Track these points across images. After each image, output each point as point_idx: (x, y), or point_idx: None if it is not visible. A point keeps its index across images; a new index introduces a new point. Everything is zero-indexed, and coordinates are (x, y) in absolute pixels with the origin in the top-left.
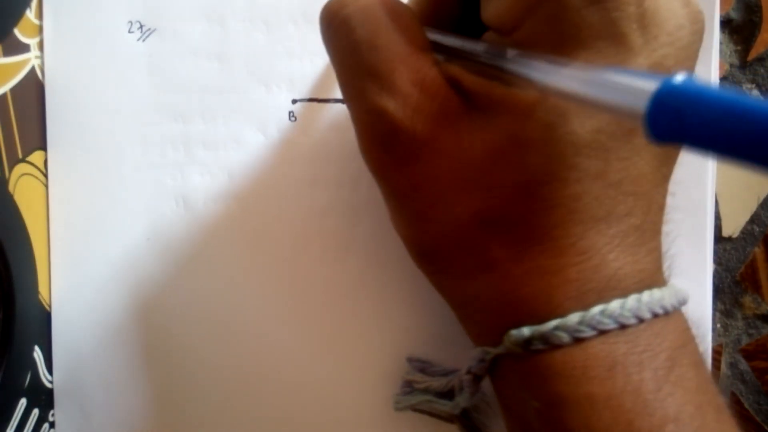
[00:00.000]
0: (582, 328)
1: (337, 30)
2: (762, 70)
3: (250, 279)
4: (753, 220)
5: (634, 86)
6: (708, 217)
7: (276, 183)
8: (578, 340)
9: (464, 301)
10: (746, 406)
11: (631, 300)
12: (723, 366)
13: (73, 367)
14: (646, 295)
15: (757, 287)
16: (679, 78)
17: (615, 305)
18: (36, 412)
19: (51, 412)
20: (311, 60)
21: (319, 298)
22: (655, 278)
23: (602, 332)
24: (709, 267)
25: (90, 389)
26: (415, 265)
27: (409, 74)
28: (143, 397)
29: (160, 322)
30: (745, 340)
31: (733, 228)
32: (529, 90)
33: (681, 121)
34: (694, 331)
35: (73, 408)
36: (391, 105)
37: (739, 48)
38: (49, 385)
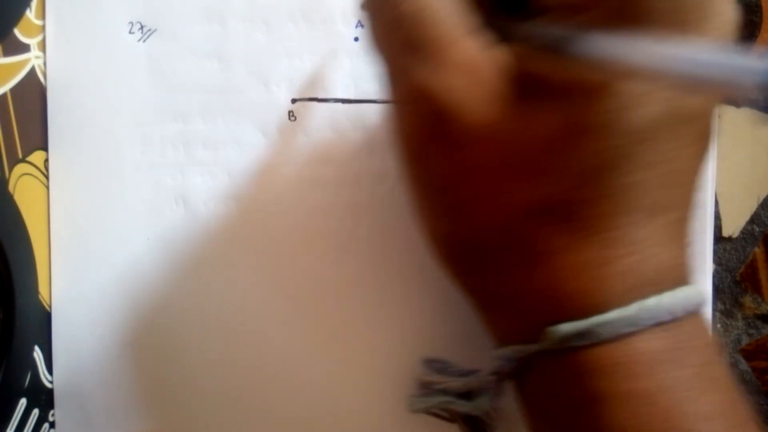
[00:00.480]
0: (623, 325)
1: (382, 5)
2: None
3: (250, 279)
4: (753, 220)
5: (742, 64)
6: (708, 218)
7: (276, 183)
8: (619, 337)
9: (497, 300)
10: None
11: (667, 297)
12: None
13: (73, 367)
14: (680, 293)
15: (757, 287)
16: None
17: (652, 302)
18: (36, 412)
19: (51, 412)
20: (311, 59)
21: (320, 298)
22: (686, 274)
23: (641, 329)
24: (709, 267)
25: (90, 389)
26: (439, 266)
27: (460, 55)
28: (143, 397)
29: (160, 322)
30: (745, 340)
31: (733, 228)
32: (592, 75)
33: None
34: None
35: (73, 408)
36: (438, 86)
37: (739, 48)
38: (49, 385)
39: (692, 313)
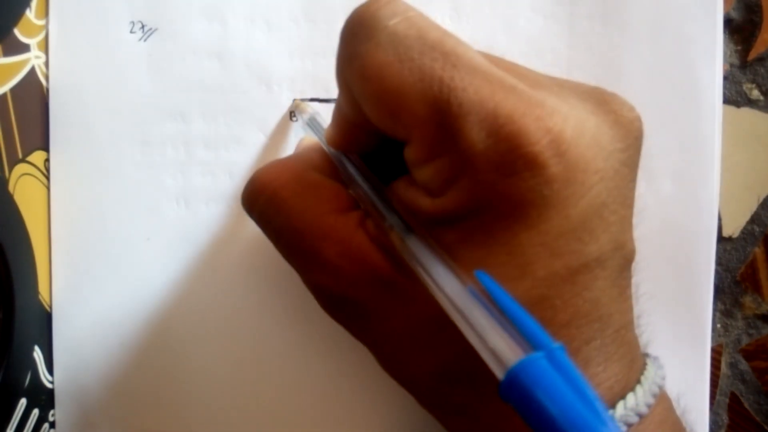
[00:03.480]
0: None
1: (258, 222)
2: (762, 70)
3: (251, 279)
4: (753, 220)
5: (492, 354)
6: (713, 219)
7: None
8: None
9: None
10: (746, 406)
11: (619, 409)
12: (723, 366)
13: (73, 367)
14: (619, 408)
15: (757, 287)
16: (523, 368)
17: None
18: (36, 412)
19: (51, 412)
20: (312, 59)
21: None
22: (627, 380)
23: None
24: (711, 267)
25: (90, 389)
26: None
27: (334, 247)
28: (144, 397)
29: (161, 323)
30: (745, 340)
31: (733, 228)
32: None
33: (521, 400)
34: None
35: (73, 408)
36: (326, 280)
37: (739, 48)
38: (49, 385)
39: (658, 398)
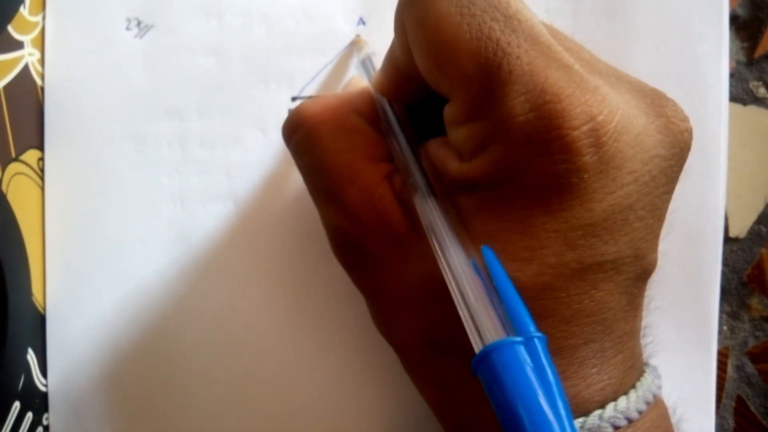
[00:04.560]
0: None
1: (293, 153)
2: None
3: (248, 280)
4: (760, 220)
5: (474, 328)
6: (719, 219)
7: (275, 182)
8: None
9: (432, 407)
10: (752, 409)
11: (593, 418)
12: (729, 368)
13: (67, 370)
14: (609, 409)
15: (763, 289)
16: (498, 347)
17: (577, 425)
18: (30, 415)
19: (45, 416)
20: (311, 56)
21: (319, 298)
22: (621, 384)
23: None
24: (718, 268)
25: (85, 392)
26: None
27: (358, 193)
28: (138, 401)
29: (155, 324)
30: (751, 343)
31: (739, 228)
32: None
33: (489, 378)
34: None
35: (67, 411)
36: (343, 222)
37: (745, 45)
38: (43, 388)
39: (651, 405)
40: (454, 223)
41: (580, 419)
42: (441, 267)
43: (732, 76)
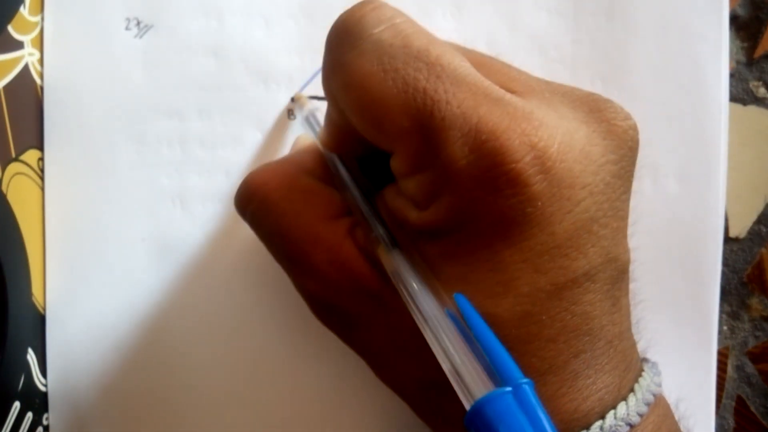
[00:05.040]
0: None
1: (250, 224)
2: None
3: (247, 280)
4: (760, 220)
5: (460, 384)
6: (719, 219)
7: None
8: None
9: None
10: (752, 409)
11: (594, 430)
12: (729, 368)
13: (67, 370)
14: (609, 419)
15: (763, 289)
16: (487, 402)
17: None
18: (30, 415)
19: (45, 416)
20: (310, 57)
21: None
22: (620, 389)
23: None
24: (718, 268)
25: (85, 392)
26: None
27: (323, 255)
28: (138, 401)
29: (155, 325)
30: (751, 343)
31: (739, 229)
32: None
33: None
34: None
35: (67, 411)
36: (314, 286)
37: (745, 45)
38: (43, 388)
39: (653, 405)
40: (422, 271)
41: (597, 423)
42: (416, 320)
43: (732, 76)
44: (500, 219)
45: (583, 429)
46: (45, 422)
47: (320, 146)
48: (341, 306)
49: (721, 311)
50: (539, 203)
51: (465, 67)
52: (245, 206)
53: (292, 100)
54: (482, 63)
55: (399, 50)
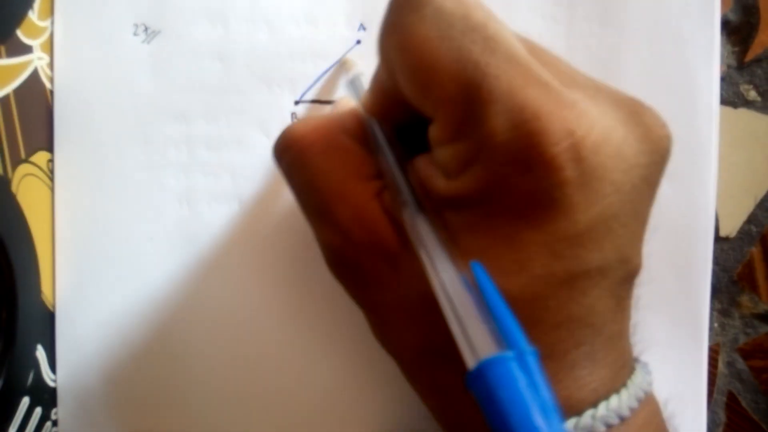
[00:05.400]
0: None
1: (284, 174)
2: (759, 71)
3: (253, 279)
4: (750, 220)
5: (467, 343)
6: (710, 219)
7: (279, 184)
8: None
9: (432, 411)
10: (743, 405)
11: (585, 417)
12: (720, 365)
13: (76, 366)
14: (601, 408)
15: (754, 287)
16: (484, 364)
17: (570, 425)
18: (39, 410)
19: (54, 411)
20: (313, 61)
21: (325, 297)
22: (613, 384)
23: None
24: (708, 267)
25: (93, 388)
26: None
27: (349, 211)
28: (146, 396)
29: (163, 322)
30: (742, 339)
31: (730, 228)
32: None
33: (482, 393)
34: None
35: (75, 406)
36: (336, 241)
37: (736, 49)
38: (52, 384)
39: (643, 402)
40: (442, 238)
41: (573, 419)
42: (431, 282)
43: (723, 79)
44: (527, 198)
45: (575, 416)
46: (54, 417)
47: (361, 109)
48: (358, 263)
49: (712, 309)
50: (568, 190)
51: (518, 48)
52: (281, 155)
53: (296, 103)
54: (534, 50)
55: (459, 20)
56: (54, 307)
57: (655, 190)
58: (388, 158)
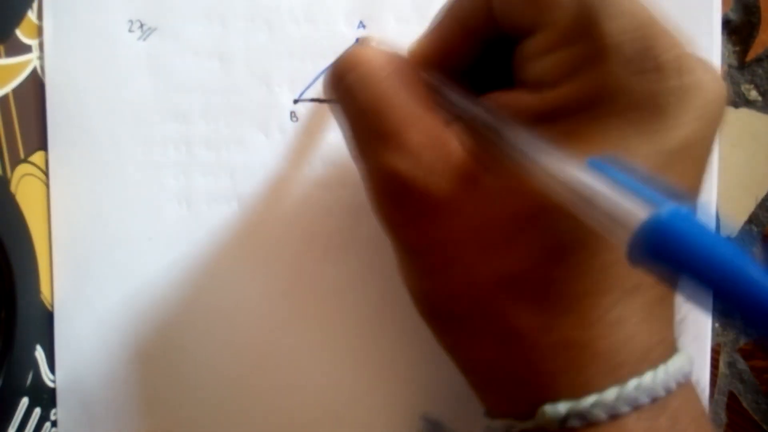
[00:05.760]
0: (619, 404)
1: (341, 98)
2: (760, 71)
3: (252, 279)
4: (751, 220)
5: (621, 211)
6: (710, 219)
7: (278, 184)
8: (614, 417)
9: (480, 367)
10: (744, 405)
11: (660, 372)
12: (721, 365)
13: (75, 366)
14: (671, 366)
15: None
16: (666, 214)
17: (648, 379)
18: (38, 411)
19: (53, 411)
20: (312, 60)
21: (322, 298)
22: (675, 346)
23: (637, 408)
24: None
25: (92, 388)
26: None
27: (420, 135)
28: (146, 396)
29: (162, 322)
30: (743, 339)
31: (731, 229)
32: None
33: (665, 257)
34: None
35: (75, 407)
36: (403, 165)
37: (737, 49)
38: (51, 384)
39: (681, 385)
40: (545, 141)
41: (650, 373)
42: (552, 180)
43: (724, 79)
44: (638, 102)
45: (649, 369)
46: (53, 417)
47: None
48: (426, 187)
49: (714, 308)
50: (672, 98)
51: None
52: (341, 77)
53: (295, 102)
54: None
55: None
56: (53, 307)
57: (713, 143)
58: (459, 94)
